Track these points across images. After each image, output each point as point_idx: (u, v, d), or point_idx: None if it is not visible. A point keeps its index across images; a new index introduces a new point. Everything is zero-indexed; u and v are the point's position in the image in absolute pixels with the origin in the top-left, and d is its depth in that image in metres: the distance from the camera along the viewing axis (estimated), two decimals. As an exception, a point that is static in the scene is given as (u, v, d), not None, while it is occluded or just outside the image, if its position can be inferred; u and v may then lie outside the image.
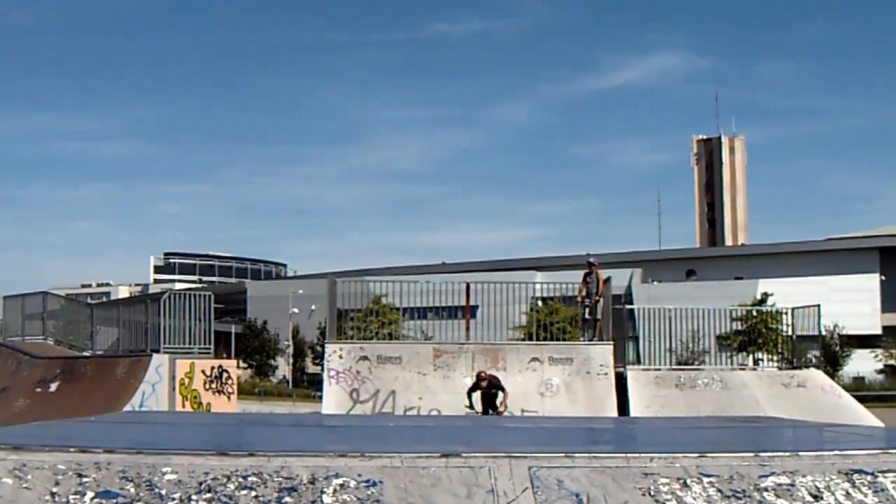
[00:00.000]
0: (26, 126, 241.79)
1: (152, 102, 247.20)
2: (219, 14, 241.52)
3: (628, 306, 34.73)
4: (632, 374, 26.92)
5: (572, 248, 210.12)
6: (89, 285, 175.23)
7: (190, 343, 28.64)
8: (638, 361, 30.12)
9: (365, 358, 26.35)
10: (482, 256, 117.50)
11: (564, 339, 32.72)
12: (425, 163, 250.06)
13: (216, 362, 29.13)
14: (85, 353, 31.07)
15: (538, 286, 42.04)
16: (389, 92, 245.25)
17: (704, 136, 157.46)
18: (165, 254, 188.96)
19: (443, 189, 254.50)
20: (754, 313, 49.58)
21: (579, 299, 28.80)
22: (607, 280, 28.63)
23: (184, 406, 27.00)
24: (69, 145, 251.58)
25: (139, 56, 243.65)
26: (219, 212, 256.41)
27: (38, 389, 28.36)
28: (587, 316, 28.87)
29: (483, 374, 24.12)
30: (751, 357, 35.44)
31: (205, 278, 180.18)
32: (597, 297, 28.39)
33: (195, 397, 27.52)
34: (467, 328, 28.97)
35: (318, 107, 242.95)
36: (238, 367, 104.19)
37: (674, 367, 29.98)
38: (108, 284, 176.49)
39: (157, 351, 27.50)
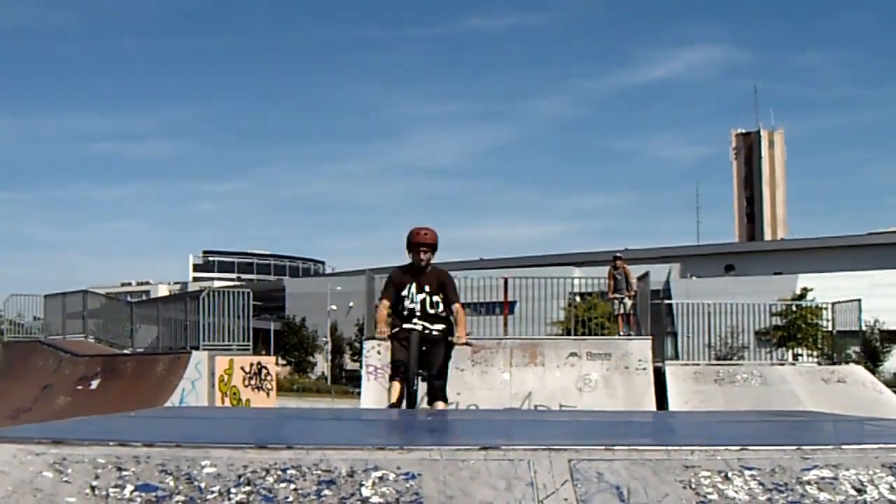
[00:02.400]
0: (67, 126, 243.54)
1: (190, 101, 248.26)
2: (254, 13, 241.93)
3: (666, 301, 34.66)
4: (670, 370, 26.85)
5: (610, 243, 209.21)
6: (129, 284, 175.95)
7: (229, 340, 28.82)
8: (676, 357, 30.06)
9: (404, 354, 26.30)
10: (519, 252, 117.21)
11: (603, 335, 32.64)
12: (461, 158, 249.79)
13: (255, 359, 29.29)
14: (125, 351, 31.34)
15: (576, 281, 41.93)
16: (425, 88, 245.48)
17: (743, 130, 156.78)
18: (204, 252, 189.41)
19: (479, 184, 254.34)
20: (794, 308, 49.38)
21: (611, 295, 29.02)
22: (646, 275, 28.68)
23: (223, 403, 27.13)
24: (109, 145, 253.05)
25: (177, 56, 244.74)
26: (257, 210, 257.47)
27: (80, 387, 28.61)
28: (620, 311, 29.04)
29: (426, 236, 11.89)
30: (790, 352, 35.30)
31: (243, 276, 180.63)
32: (630, 293, 28.52)
33: (234, 394, 27.65)
34: (505, 324, 29.02)
35: (353, 104, 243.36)
36: (277, 363, 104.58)
37: (712, 362, 29.93)
38: (147, 283, 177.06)
39: (197, 348, 27.70)
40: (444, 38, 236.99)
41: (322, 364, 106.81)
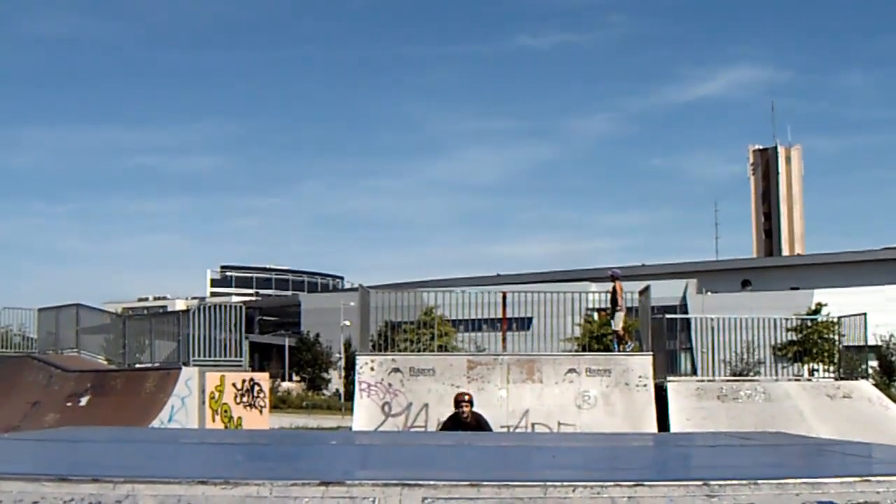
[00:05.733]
0: (107, 139, 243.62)
1: (233, 116, 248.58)
2: (299, 29, 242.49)
3: (682, 316, 34.21)
4: (672, 386, 26.17)
5: (637, 258, 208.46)
6: (146, 299, 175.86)
7: (220, 356, 28.15)
8: (694, 372, 29.61)
9: (397, 370, 25.76)
10: (550, 268, 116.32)
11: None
12: (502, 175, 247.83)
13: (248, 375, 28.61)
14: (112, 367, 30.78)
15: (591, 296, 41.31)
16: (468, 104, 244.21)
17: (760, 146, 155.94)
18: (222, 267, 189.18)
19: (518, 201, 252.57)
20: (808, 323, 48.69)
21: (606, 313, 28.60)
22: (646, 289, 28.08)
23: (214, 420, 26.54)
24: (148, 158, 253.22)
25: (218, 70, 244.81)
26: (293, 225, 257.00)
27: (69, 403, 28.14)
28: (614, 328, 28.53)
29: (465, 398, 17.05)
30: (806, 368, 34.70)
31: (261, 291, 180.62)
32: (617, 309, 27.93)
33: (226, 411, 27.07)
34: (504, 339, 28.40)
35: (396, 119, 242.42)
36: (291, 380, 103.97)
37: (728, 377, 29.38)
38: (165, 298, 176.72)
39: (187, 364, 27.05)
40: (491, 55, 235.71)
41: (337, 380, 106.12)
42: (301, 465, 5.45)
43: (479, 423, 16.78)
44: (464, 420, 16.51)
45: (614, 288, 28.11)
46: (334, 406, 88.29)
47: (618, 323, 27.92)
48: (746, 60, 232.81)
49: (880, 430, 23.47)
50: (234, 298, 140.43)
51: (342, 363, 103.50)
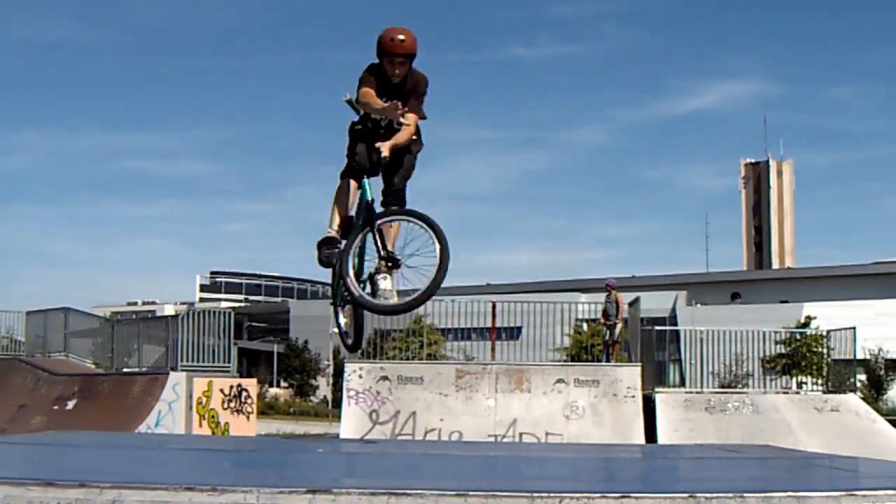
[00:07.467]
0: (95, 144, 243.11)
1: (222, 121, 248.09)
2: (292, 35, 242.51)
3: (672, 328, 34.30)
4: (660, 398, 26.19)
5: (625, 270, 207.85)
6: (135, 303, 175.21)
7: (209, 361, 28.13)
8: (682, 384, 29.64)
9: (385, 378, 25.77)
10: (540, 278, 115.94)
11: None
12: (493, 184, 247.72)
13: (236, 381, 28.59)
14: (100, 371, 30.71)
15: (581, 307, 41.38)
16: (462, 114, 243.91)
17: (752, 160, 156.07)
18: (211, 272, 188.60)
19: (508, 211, 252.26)
20: (798, 336, 48.79)
21: (601, 322, 28.69)
22: (636, 300, 28.13)
23: (201, 426, 26.47)
24: (142, 163, 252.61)
25: (209, 75, 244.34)
26: (285, 231, 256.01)
27: (56, 407, 28.00)
28: (608, 338, 28.58)
29: (403, 43, 9.77)
30: (794, 381, 34.77)
31: (251, 297, 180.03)
32: (616, 320, 28.02)
33: (213, 417, 27.00)
34: (492, 348, 28.44)
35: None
36: (279, 386, 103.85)
37: (716, 389, 29.44)
38: (154, 303, 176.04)
39: (175, 369, 27.01)
40: (484, 65, 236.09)
41: (325, 387, 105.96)
42: (288, 473, 5.45)
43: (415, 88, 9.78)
44: (393, 84, 9.64)
45: (613, 298, 28.25)
46: (322, 413, 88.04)
47: (618, 332, 28.12)
48: (739, 74, 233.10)
49: (867, 443, 23.48)
50: (223, 304, 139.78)
51: (330, 370, 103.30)
